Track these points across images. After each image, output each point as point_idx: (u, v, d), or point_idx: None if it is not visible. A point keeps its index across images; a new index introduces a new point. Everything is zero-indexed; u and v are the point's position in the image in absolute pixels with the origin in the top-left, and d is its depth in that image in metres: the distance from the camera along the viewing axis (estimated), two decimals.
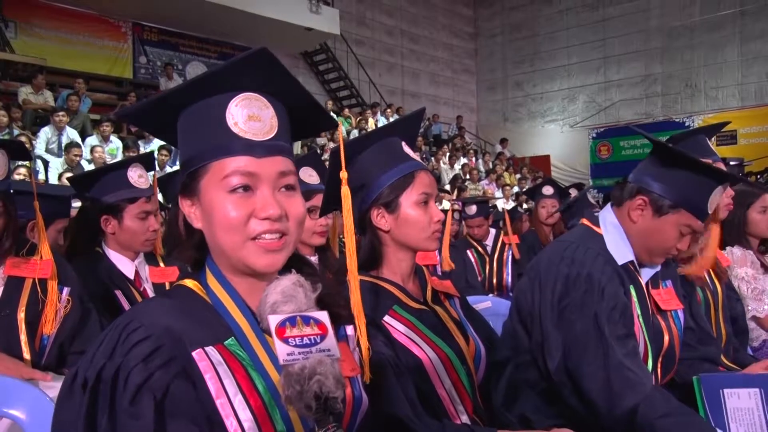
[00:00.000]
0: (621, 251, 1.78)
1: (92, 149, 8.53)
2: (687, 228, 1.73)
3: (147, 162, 2.54)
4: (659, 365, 1.82)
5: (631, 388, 1.58)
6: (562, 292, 1.72)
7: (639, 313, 1.76)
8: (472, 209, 4.80)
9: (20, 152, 2.16)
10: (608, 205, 1.89)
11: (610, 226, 1.83)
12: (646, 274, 1.85)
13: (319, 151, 11.14)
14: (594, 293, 1.68)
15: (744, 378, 1.60)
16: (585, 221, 1.91)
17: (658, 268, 1.87)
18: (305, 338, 0.91)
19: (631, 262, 1.80)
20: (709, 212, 1.73)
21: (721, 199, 1.76)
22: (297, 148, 11.32)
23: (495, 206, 6.19)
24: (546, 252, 1.89)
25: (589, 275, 1.71)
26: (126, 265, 2.47)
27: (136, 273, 2.49)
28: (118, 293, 2.37)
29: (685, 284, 2.12)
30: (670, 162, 1.74)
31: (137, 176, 2.40)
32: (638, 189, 1.77)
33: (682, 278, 2.10)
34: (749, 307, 2.65)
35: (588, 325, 1.66)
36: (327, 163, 2.25)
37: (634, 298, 1.77)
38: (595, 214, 1.91)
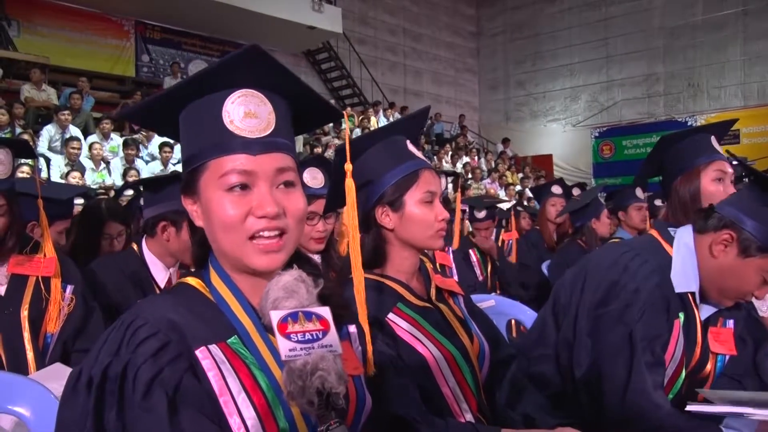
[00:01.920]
0: (686, 279, 1.66)
1: (91, 146, 8.54)
2: None
3: None
4: (684, 387, 1.75)
5: (647, 414, 1.56)
6: (603, 298, 1.66)
7: (680, 341, 1.66)
8: (482, 213, 4.77)
9: (25, 151, 2.16)
10: (689, 226, 1.74)
11: (684, 249, 1.69)
12: (706, 311, 1.72)
13: (321, 150, 11.15)
14: (634, 310, 1.61)
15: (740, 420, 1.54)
16: (654, 233, 1.81)
17: (722, 308, 1.74)
18: (307, 334, 0.90)
19: (692, 293, 1.67)
20: None
21: None
22: (299, 146, 11.31)
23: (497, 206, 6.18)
24: (600, 251, 1.83)
25: (637, 290, 1.63)
26: (160, 272, 2.45)
27: (169, 280, 2.48)
28: None
29: (756, 328, 1.91)
30: None
31: None
32: (727, 222, 1.62)
33: (754, 321, 1.93)
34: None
35: (620, 341, 1.61)
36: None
37: (680, 326, 1.65)
38: (671, 230, 1.78)
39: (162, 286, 2.43)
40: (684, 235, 1.72)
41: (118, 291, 2.34)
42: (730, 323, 1.79)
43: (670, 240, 1.75)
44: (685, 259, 1.68)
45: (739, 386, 1.85)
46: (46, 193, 2.16)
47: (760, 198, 1.60)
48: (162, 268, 2.46)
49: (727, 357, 1.76)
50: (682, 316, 1.67)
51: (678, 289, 1.66)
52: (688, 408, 1.51)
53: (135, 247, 2.49)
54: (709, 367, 1.74)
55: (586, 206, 4.36)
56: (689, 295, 1.68)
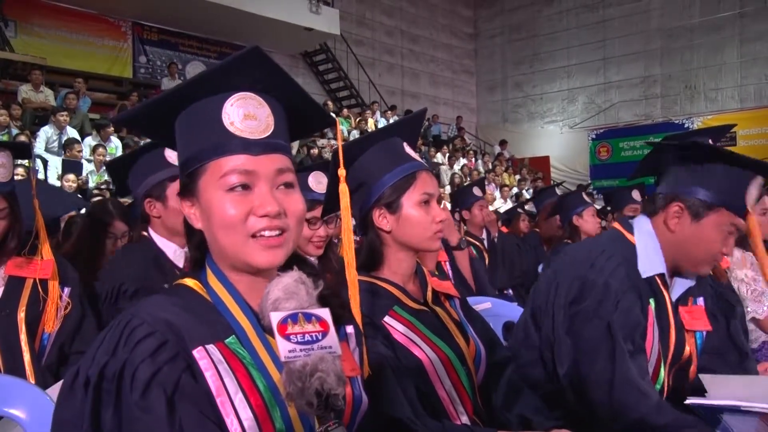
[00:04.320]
0: (652, 262, 1.72)
1: (94, 149, 8.53)
2: (731, 227, 1.65)
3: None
4: (671, 375, 1.78)
5: (636, 404, 1.57)
6: (576, 296, 1.69)
7: (656, 327, 1.70)
8: (479, 191, 4.83)
9: (24, 152, 2.16)
10: (643, 215, 1.82)
11: (644, 235, 1.75)
12: (679, 288, 1.77)
13: (317, 151, 11.16)
14: (608, 304, 1.64)
15: (742, 411, 1.54)
16: (617, 225, 1.85)
17: (693, 283, 1.79)
18: (307, 335, 0.91)
19: (661, 274, 1.73)
20: (749, 207, 1.65)
21: (757, 192, 1.66)
22: (294, 149, 11.31)
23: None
24: (570, 250, 1.87)
25: (607, 284, 1.66)
26: (174, 252, 2.37)
27: (186, 258, 2.40)
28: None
29: (724, 302, 2.02)
30: (701, 161, 1.66)
31: (175, 155, 2.33)
32: (672, 197, 1.70)
33: (720, 295, 2.00)
34: (749, 309, 2.65)
35: (599, 335, 1.63)
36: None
37: (653, 312, 1.70)
38: (630, 221, 1.84)
39: (181, 265, 2.34)
40: (642, 224, 1.78)
41: (145, 276, 2.28)
42: (700, 301, 1.84)
43: (631, 230, 1.80)
44: (647, 244, 1.74)
45: (721, 360, 1.92)
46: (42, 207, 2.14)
47: (692, 165, 1.69)
48: (175, 247, 2.37)
49: (705, 334, 1.82)
50: (653, 302, 1.71)
51: (645, 274, 1.71)
52: (688, 401, 1.54)
53: (146, 234, 2.43)
54: (688, 349, 1.76)
55: (565, 203, 4.40)
56: (657, 279, 1.73)
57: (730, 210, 1.63)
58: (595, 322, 1.64)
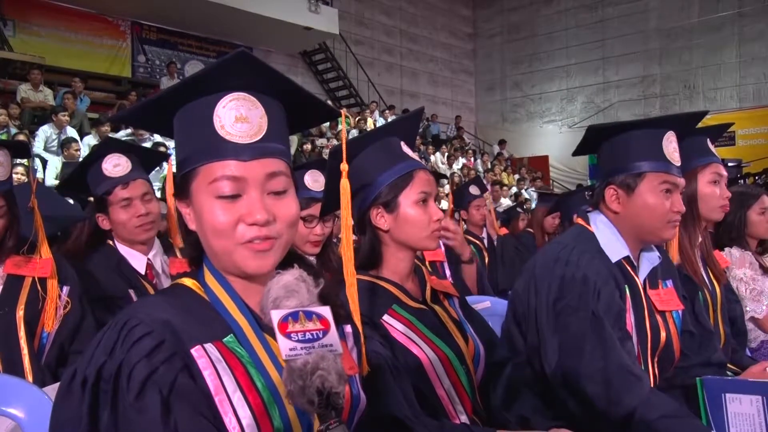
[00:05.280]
0: (615, 248, 1.76)
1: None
2: (665, 185, 1.70)
3: (123, 146, 2.46)
4: (655, 364, 1.80)
5: (631, 389, 1.56)
6: (557, 294, 1.69)
7: (632, 312, 1.73)
8: (477, 190, 4.83)
9: (22, 151, 2.16)
10: (594, 211, 1.88)
11: (600, 225, 1.81)
12: (645, 269, 1.82)
13: (309, 148, 11.15)
14: (590, 295, 1.65)
15: (747, 384, 1.57)
16: (579, 220, 1.89)
17: (657, 262, 1.83)
18: (308, 333, 0.90)
19: (627, 258, 1.77)
20: (674, 162, 1.72)
21: (673, 145, 1.74)
22: (293, 147, 11.30)
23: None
24: (541, 253, 1.86)
25: (585, 277, 1.67)
26: (136, 260, 2.42)
27: (148, 266, 2.44)
28: (132, 292, 2.32)
29: (688, 284, 2.08)
30: (608, 141, 1.77)
31: (112, 166, 2.35)
32: (604, 184, 1.79)
33: (685, 278, 2.07)
34: (747, 308, 2.65)
35: (585, 326, 1.63)
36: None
37: (629, 298, 1.73)
38: (588, 214, 1.89)
39: (142, 272, 2.41)
40: (596, 216, 1.85)
41: (109, 282, 2.33)
42: (669, 283, 1.89)
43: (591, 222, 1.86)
44: (605, 232, 1.80)
45: (693, 339, 1.95)
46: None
47: (604, 150, 1.80)
48: (137, 255, 2.43)
49: (682, 314, 1.88)
50: (627, 289, 1.74)
51: (614, 259, 1.76)
52: (702, 377, 1.58)
53: (111, 243, 2.48)
54: (663, 333, 1.79)
55: (568, 202, 4.41)
56: (625, 264, 1.76)
57: (655, 171, 1.70)
58: (580, 313, 1.64)
